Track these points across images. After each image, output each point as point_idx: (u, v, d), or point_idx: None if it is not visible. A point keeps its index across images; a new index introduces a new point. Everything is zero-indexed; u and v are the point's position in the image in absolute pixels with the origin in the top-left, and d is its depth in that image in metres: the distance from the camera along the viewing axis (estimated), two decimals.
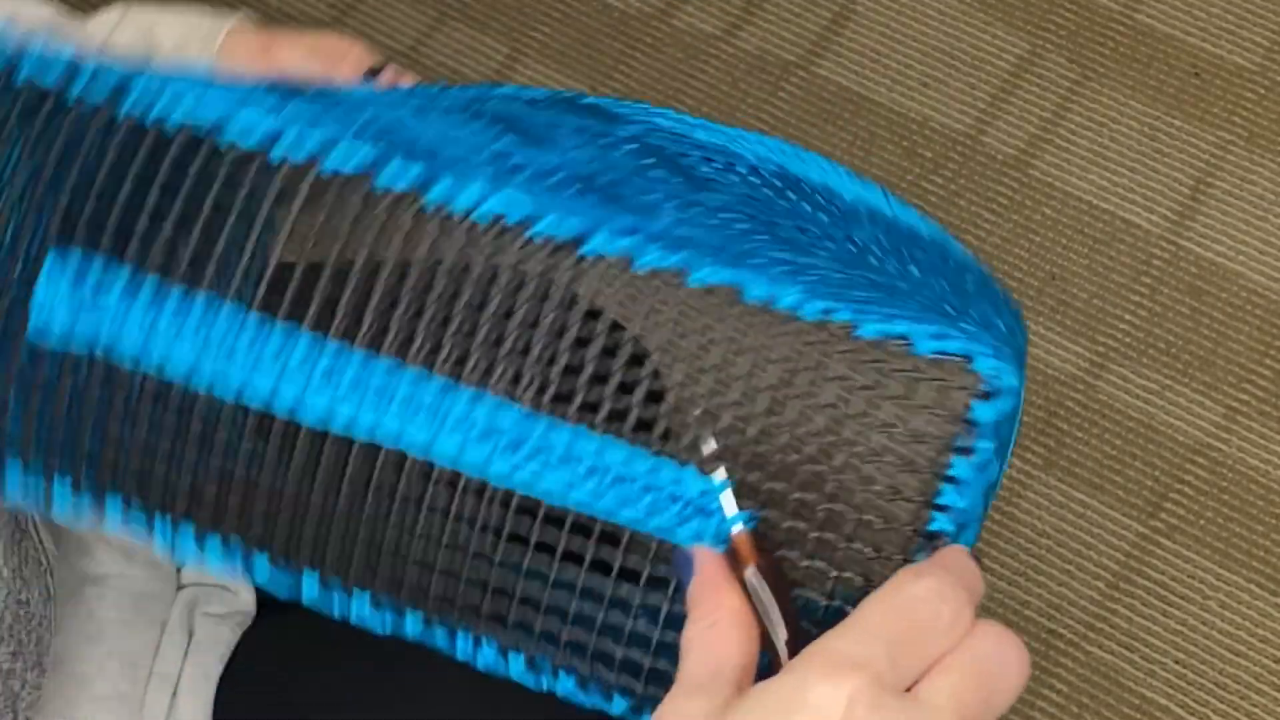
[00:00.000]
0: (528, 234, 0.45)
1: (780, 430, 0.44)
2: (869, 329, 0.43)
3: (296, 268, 0.45)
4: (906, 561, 0.43)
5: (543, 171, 0.49)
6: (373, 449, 0.45)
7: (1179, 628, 1.21)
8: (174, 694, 0.69)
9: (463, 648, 0.47)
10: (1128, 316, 1.33)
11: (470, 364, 0.45)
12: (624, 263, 0.44)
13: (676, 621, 0.44)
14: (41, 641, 0.62)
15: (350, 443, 0.45)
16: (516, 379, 0.45)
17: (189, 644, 0.70)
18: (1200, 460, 1.27)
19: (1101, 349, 1.32)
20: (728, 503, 0.44)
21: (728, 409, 0.45)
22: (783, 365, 0.44)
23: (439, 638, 0.47)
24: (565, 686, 0.46)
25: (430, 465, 0.45)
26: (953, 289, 0.52)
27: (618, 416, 0.45)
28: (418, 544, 0.46)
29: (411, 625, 0.47)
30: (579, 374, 0.45)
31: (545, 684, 0.46)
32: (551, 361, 0.45)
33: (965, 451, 0.43)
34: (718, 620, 0.41)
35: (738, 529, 0.43)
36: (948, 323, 0.44)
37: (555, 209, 0.45)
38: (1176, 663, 1.20)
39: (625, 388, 0.45)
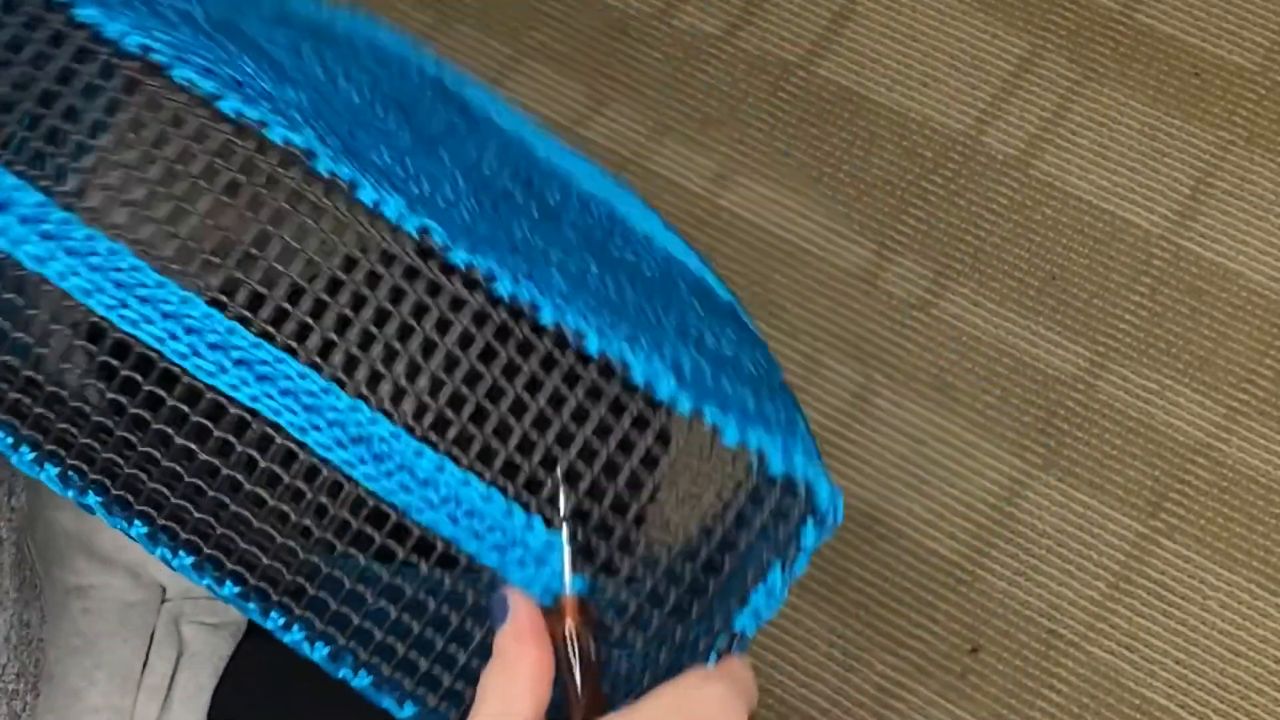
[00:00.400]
0: (448, 259, 0.46)
1: (629, 508, 0.47)
2: (730, 435, 0.46)
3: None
4: (708, 651, 0.47)
5: (444, 194, 0.49)
6: (243, 421, 0.46)
7: (1179, 628, 1.21)
8: (164, 705, 0.69)
9: (274, 622, 0.47)
10: (1128, 316, 1.33)
11: (359, 371, 0.46)
12: (531, 309, 0.46)
13: (484, 652, 0.47)
14: (39, 663, 0.62)
15: (225, 408, 0.46)
16: (398, 396, 0.46)
17: (179, 656, 0.70)
18: (1200, 460, 1.27)
19: (1101, 349, 1.32)
20: (566, 562, 0.46)
21: (588, 473, 0.47)
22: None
23: (252, 609, 0.47)
24: (361, 683, 0.48)
25: (295, 451, 0.47)
26: (760, 368, 0.56)
27: (487, 455, 0.47)
28: (262, 517, 0.47)
29: (229, 589, 0.47)
30: (460, 407, 0.46)
31: (343, 674, 0.48)
32: (436, 389, 0.46)
33: (784, 566, 0.47)
34: (517, 672, 0.44)
35: (570, 591, 0.46)
36: (791, 439, 0.47)
37: (465, 239, 0.47)
38: (1176, 663, 1.20)
39: (502, 430, 0.46)
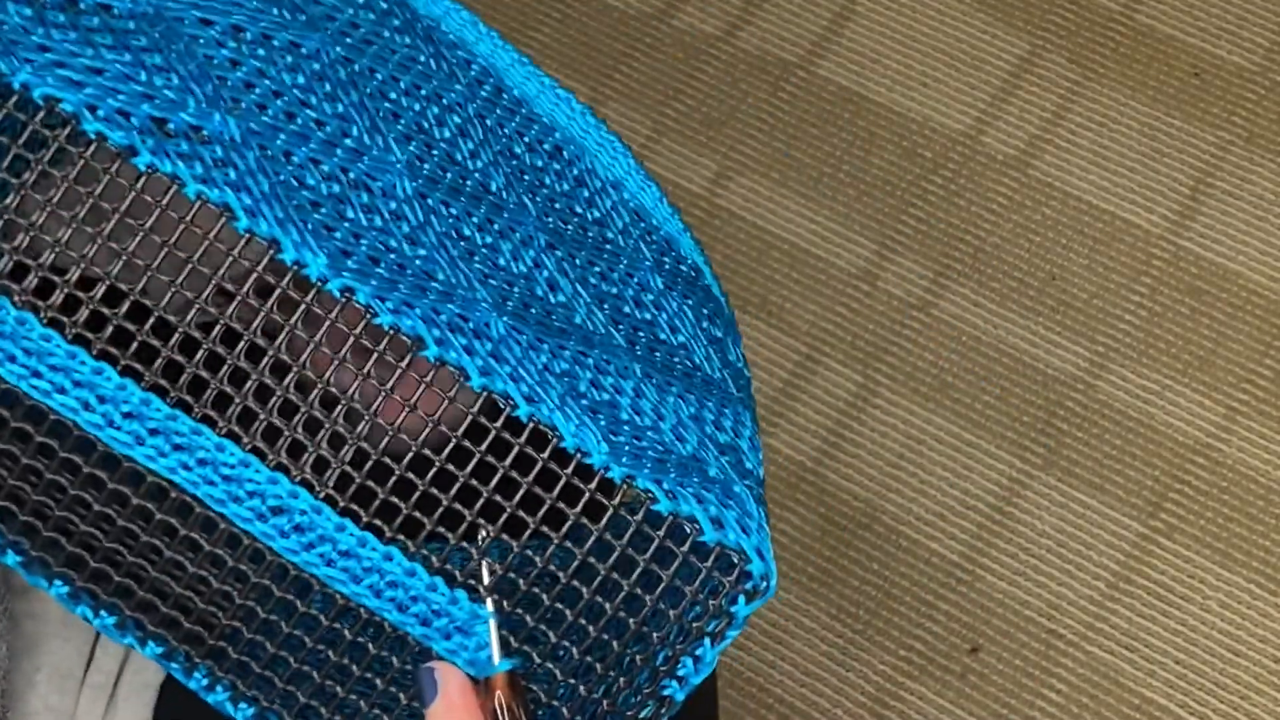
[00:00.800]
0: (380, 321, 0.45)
1: (557, 579, 0.47)
2: (663, 505, 0.45)
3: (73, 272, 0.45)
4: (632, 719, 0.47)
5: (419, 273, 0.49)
6: (160, 489, 0.46)
7: (1179, 628, 1.21)
8: (110, 703, 0.69)
9: (196, 682, 0.47)
10: (1128, 316, 1.33)
11: (279, 442, 0.46)
12: (460, 374, 0.45)
13: (414, 714, 0.48)
14: (7, 675, 0.62)
15: (142, 475, 0.46)
16: (320, 466, 0.46)
17: (126, 653, 0.70)
18: (1200, 460, 1.27)
19: (1101, 349, 1.32)
20: (492, 635, 0.47)
21: (517, 544, 0.47)
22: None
23: (175, 669, 0.47)
24: (244, 714, 0.48)
25: (215, 519, 0.46)
26: (712, 364, 0.55)
27: (411, 528, 0.47)
28: (183, 582, 0.47)
29: (151, 649, 0.47)
30: (384, 479, 0.46)
31: (233, 715, 0.48)
32: (359, 461, 0.46)
33: (715, 637, 0.47)
34: None
35: (498, 666, 0.46)
36: (722, 500, 0.46)
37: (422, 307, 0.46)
38: (1176, 663, 1.20)
39: (426, 502, 0.46)
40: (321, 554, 0.46)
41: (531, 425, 0.45)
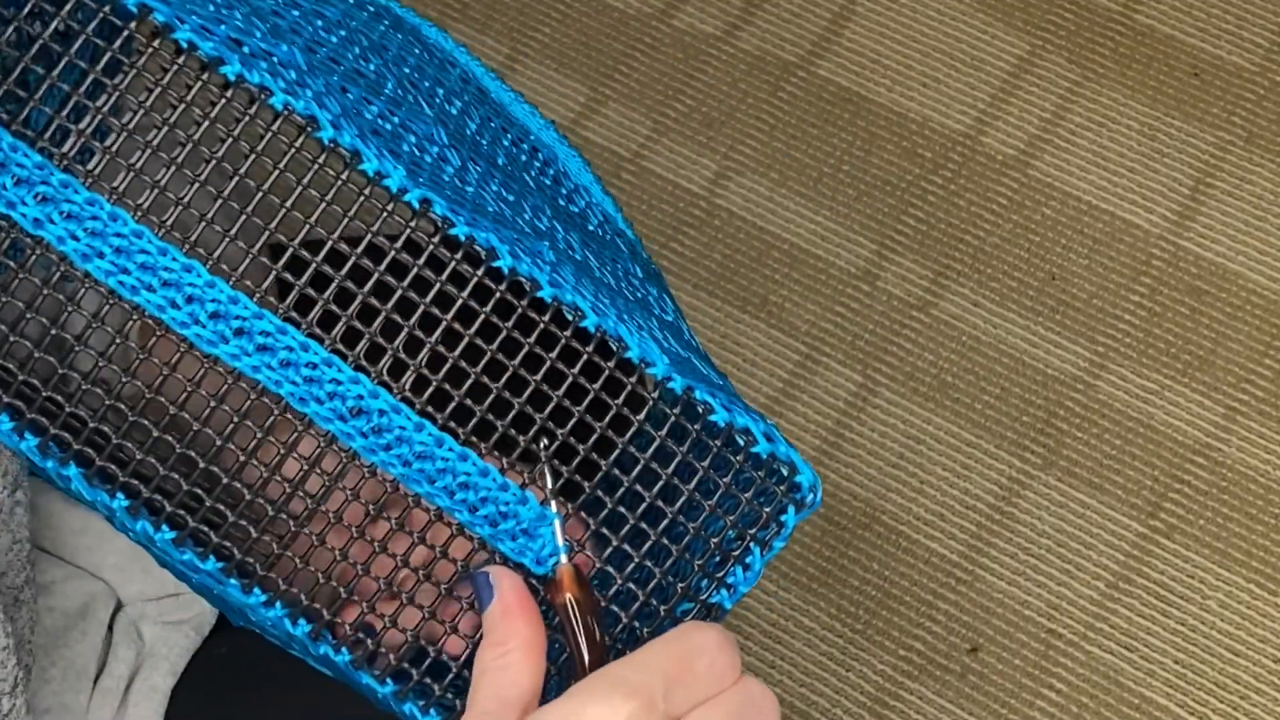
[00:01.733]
0: (458, 238, 0.46)
1: (619, 481, 0.48)
2: (719, 416, 0.47)
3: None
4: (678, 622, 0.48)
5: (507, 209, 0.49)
6: (237, 381, 0.46)
7: (1179, 628, 1.21)
8: (120, 708, 0.69)
9: (254, 600, 0.47)
10: (1128, 316, 1.33)
11: (360, 344, 0.47)
12: (531, 285, 0.47)
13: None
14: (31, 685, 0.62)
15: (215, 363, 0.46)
16: (398, 370, 0.47)
17: (137, 658, 0.70)
18: (1200, 460, 1.27)
19: (1101, 349, 1.32)
20: (558, 532, 0.48)
21: (582, 448, 0.49)
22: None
23: (232, 589, 0.47)
24: (343, 659, 0.48)
25: (294, 424, 0.47)
26: (695, 340, 0.57)
27: (484, 430, 0.48)
28: (256, 494, 0.47)
29: (211, 564, 0.47)
30: (459, 382, 0.47)
31: (323, 650, 0.48)
32: (435, 364, 0.47)
33: (764, 545, 0.48)
34: (510, 649, 0.45)
35: (563, 562, 0.47)
36: (768, 422, 0.48)
37: (517, 245, 0.47)
38: (1176, 663, 1.20)
39: (499, 405, 0.47)
40: (399, 455, 0.46)
41: (599, 336, 0.46)
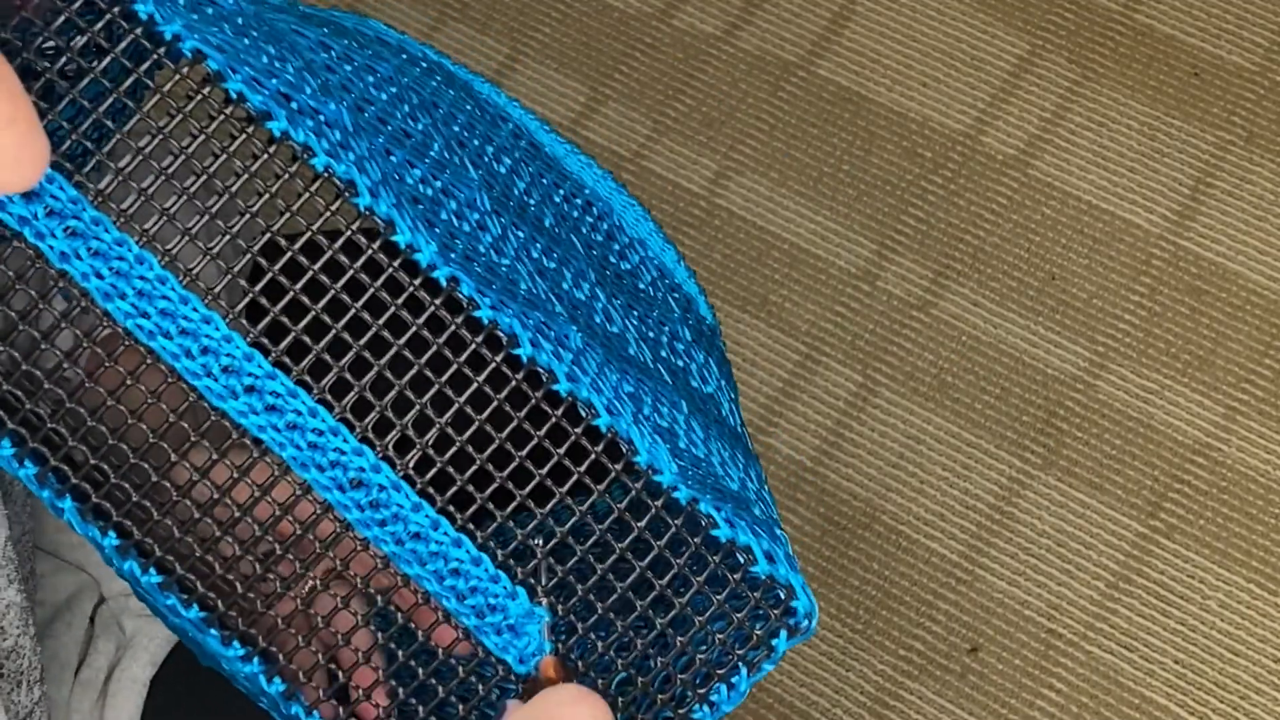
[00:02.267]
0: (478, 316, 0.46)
1: (613, 589, 0.48)
2: (722, 532, 0.47)
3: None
4: None
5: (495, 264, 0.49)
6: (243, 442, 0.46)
7: (1179, 628, 1.21)
8: (99, 699, 0.69)
9: (232, 653, 0.47)
10: (1128, 316, 1.33)
11: (368, 416, 0.46)
12: (548, 377, 0.46)
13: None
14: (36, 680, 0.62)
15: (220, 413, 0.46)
16: (404, 446, 0.47)
17: (117, 650, 0.70)
18: (1200, 460, 1.27)
19: (1101, 349, 1.32)
20: (545, 633, 0.48)
21: (575, 556, 0.48)
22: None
23: (211, 640, 0.47)
24: (276, 689, 0.48)
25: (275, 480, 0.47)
26: (736, 416, 0.57)
27: (481, 519, 0.48)
28: (247, 551, 0.47)
29: (194, 613, 0.47)
30: (464, 467, 0.47)
31: (294, 710, 0.48)
32: (442, 445, 0.47)
33: (752, 667, 0.48)
34: None
35: (548, 654, 0.47)
36: (773, 537, 0.48)
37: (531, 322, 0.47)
38: (1176, 662, 1.20)
39: (500, 496, 0.47)
40: (393, 533, 0.46)
41: (610, 436, 0.46)
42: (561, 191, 0.58)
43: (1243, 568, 1.23)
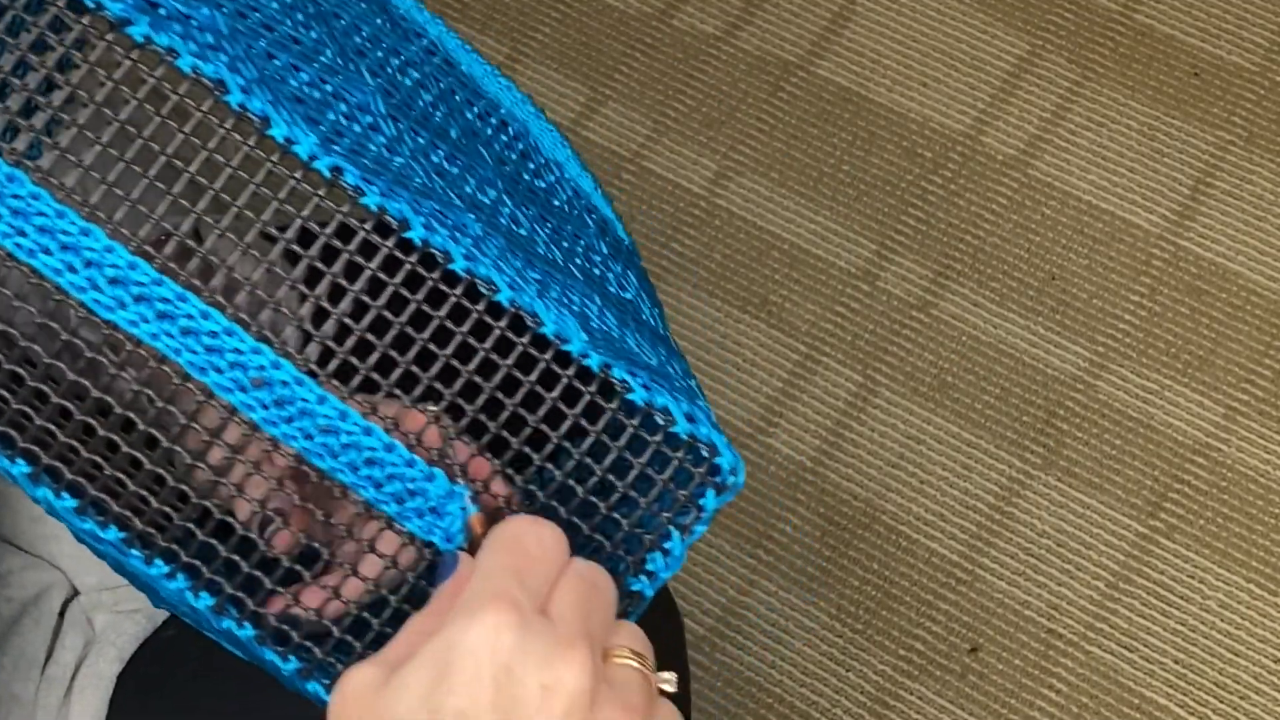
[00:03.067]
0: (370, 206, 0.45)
1: (530, 460, 0.48)
2: (637, 395, 0.46)
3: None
4: None
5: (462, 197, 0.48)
6: (155, 357, 0.45)
7: (1179, 628, 1.21)
8: (66, 695, 0.69)
9: (158, 569, 0.46)
10: (1128, 316, 1.33)
11: (263, 313, 0.45)
12: (444, 257, 0.45)
13: (377, 604, 0.48)
14: None
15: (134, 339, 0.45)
16: (303, 341, 0.46)
17: (85, 646, 0.70)
18: (1200, 460, 1.27)
19: (1101, 349, 1.32)
20: (467, 502, 0.47)
21: (489, 428, 0.48)
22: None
23: (135, 555, 0.46)
24: (246, 634, 0.47)
25: (192, 389, 0.46)
26: (656, 320, 0.56)
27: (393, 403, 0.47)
28: (155, 463, 0.46)
29: (112, 533, 0.46)
30: (366, 355, 0.46)
31: (226, 626, 0.47)
32: (342, 335, 0.46)
33: (684, 530, 0.47)
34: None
35: (471, 509, 0.47)
36: (693, 402, 0.47)
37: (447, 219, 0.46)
38: (1176, 663, 1.20)
39: (407, 381, 0.46)
40: (301, 428, 0.45)
41: (513, 310, 0.45)
42: (475, 109, 0.57)
43: (1243, 568, 1.23)
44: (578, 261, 0.54)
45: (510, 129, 0.59)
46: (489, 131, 0.57)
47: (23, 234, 0.44)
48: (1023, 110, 1.42)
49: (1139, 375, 1.30)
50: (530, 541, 0.44)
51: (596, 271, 0.55)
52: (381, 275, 0.46)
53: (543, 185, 0.58)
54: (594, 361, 0.46)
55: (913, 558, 1.25)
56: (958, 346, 1.33)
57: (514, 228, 0.51)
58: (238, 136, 0.45)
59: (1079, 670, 1.20)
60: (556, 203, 0.58)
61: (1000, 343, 1.33)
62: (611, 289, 0.55)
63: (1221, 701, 1.18)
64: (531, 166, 0.58)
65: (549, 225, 0.54)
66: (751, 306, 1.35)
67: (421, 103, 0.54)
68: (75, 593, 0.72)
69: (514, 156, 0.58)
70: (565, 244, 0.54)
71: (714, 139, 1.43)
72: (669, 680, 0.45)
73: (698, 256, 1.38)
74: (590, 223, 0.58)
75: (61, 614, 0.71)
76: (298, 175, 0.45)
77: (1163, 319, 1.33)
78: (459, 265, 0.45)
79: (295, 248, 0.45)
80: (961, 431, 1.29)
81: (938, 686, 1.20)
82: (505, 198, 0.53)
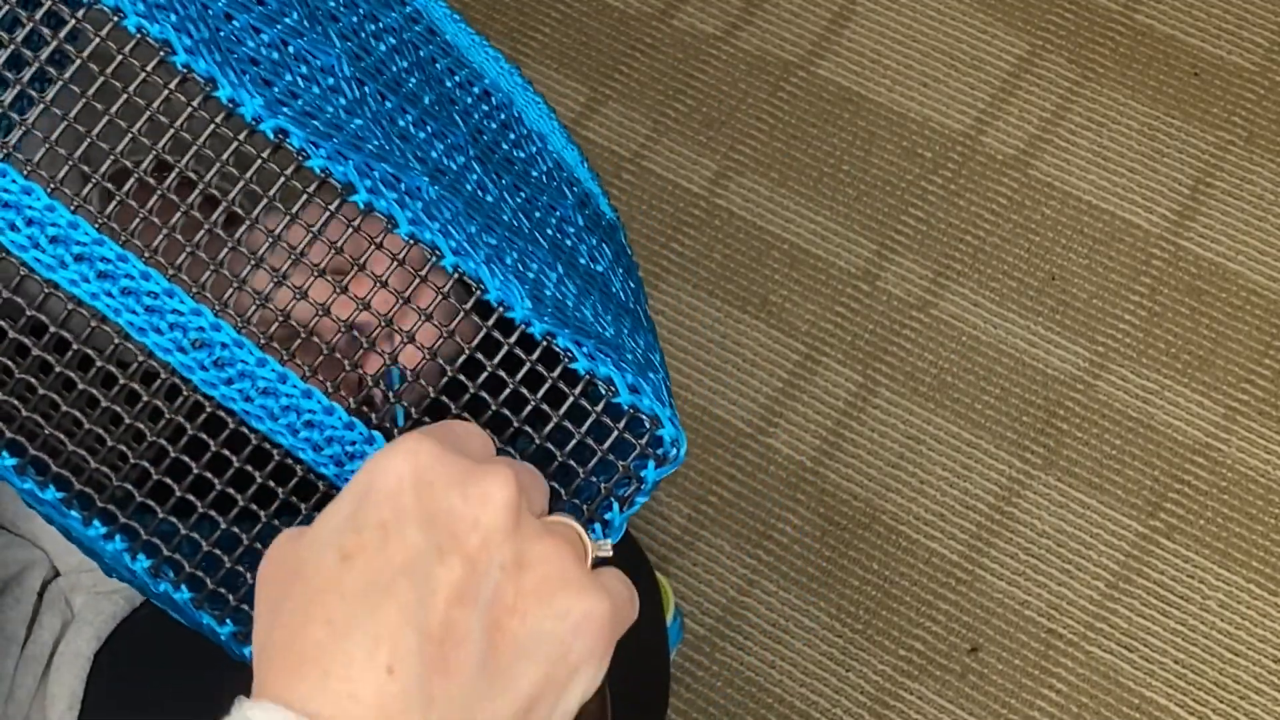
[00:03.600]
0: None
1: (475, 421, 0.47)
2: (580, 364, 0.46)
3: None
4: None
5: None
6: (89, 321, 0.45)
7: (1179, 628, 1.21)
8: (44, 674, 0.69)
9: (95, 530, 0.46)
10: (1128, 316, 1.33)
11: (204, 274, 0.45)
12: (389, 222, 0.45)
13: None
14: None
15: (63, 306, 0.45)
16: (244, 303, 0.46)
17: (63, 626, 0.70)
18: (1200, 460, 1.27)
19: (1101, 349, 1.32)
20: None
21: (429, 393, 0.47)
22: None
23: (74, 517, 0.46)
24: (182, 597, 0.47)
25: (133, 355, 0.46)
26: (628, 294, 0.56)
27: (329, 368, 0.47)
28: (93, 420, 0.46)
29: (50, 494, 0.46)
30: (305, 319, 0.46)
31: (164, 589, 0.47)
32: (288, 300, 0.46)
33: (624, 502, 0.47)
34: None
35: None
36: (639, 373, 0.47)
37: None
38: (1176, 663, 1.20)
39: (346, 345, 0.47)
40: (240, 390, 0.45)
41: (456, 275, 0.45)
42: (456, 78, 0.57)
43: (1243, 568, 1.23)
44: (548, 232, 0.54)
45: (493, 99, 0.59)
46: (468, 100, 0.57)
47: None
48: (1023, 110, 1.42)
49: (1139, 375, 1.30)
50: (458, 427, 0.44)
51: (568, 243, 0.55)
52: (323, 238, 0.46)
53: (521, 155, 0.58)
54: (537, 330, 0.46)
55: (913, 558, 1.25)
56: (958, 346, 1.33)
57: (479, 193, 0.51)
58: (182, 97, 0.44)
59: (1079, 670, 1.20)
60: (534, 174, 0.57)
61: (1000, 343, 1.33)
62: (581, 260, 0.55)
63: (1221, 701, 1.18)
64: (512, 137, 0.58)
65: (521, 195, 0.54)
66: (751, 306, 1.35)
67: (395, 69, 0.53)
68: (55, 573, 0.72)
69: (493, 126, 0.57)
70: (537, 214, 0.54)
71: (714, 139, 1.43)
72: (605, 546, 0.45)
73: (698, 256, 1.38)
74: (570, 194, 0.58)
75: (40, 594, 0.71)
76: (241, 137, 0.44)
77: (1163, 319, 1.33)
78: (402, 230, 0.45)
79: (237, 210, 0.45)
80: (961, 431, 1.29)
81: (938, 686, 1.20)
82: (475, 164, 0.53)
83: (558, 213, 0.56)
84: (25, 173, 0.44)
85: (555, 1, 1.52)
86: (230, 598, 0.48)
